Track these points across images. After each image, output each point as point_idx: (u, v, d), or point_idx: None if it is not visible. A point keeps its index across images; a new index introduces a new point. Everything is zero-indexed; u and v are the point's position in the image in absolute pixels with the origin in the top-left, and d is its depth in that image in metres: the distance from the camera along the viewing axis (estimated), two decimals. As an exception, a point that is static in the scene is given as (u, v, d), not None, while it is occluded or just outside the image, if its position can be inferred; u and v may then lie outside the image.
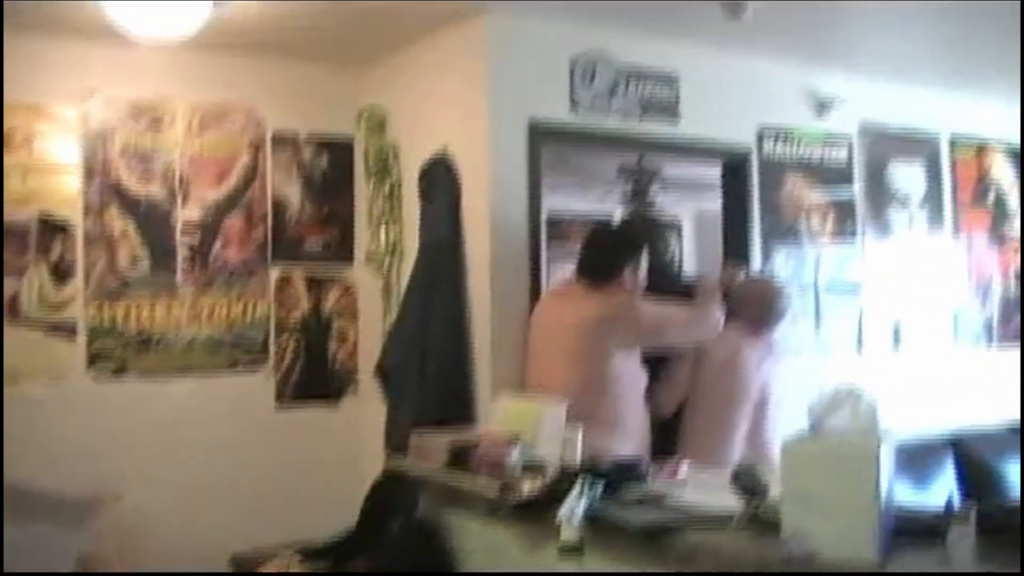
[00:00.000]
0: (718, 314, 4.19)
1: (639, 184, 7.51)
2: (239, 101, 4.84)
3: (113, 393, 4.53)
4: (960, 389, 6.25)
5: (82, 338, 4.49)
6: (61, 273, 4.45)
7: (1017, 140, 6.73)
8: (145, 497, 4.41)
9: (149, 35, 3.95)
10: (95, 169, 4.52)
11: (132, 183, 4.60)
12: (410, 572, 2.65)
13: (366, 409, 4.99)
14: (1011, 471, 6.06)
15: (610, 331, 3.78)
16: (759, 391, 4.30)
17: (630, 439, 3.61)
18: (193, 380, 4.72)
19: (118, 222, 4.57)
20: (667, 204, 8.51)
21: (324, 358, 5.06)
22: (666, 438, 4.10)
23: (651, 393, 4.08)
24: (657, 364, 4.14)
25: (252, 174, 4.88)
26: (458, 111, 4.51)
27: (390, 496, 3.03)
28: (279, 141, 4.95)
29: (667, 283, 4.37)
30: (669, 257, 4.54)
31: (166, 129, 4.66)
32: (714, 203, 5.74)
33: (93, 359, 4.50)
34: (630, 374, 3.89)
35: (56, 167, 4.46)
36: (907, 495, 4.76)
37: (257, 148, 4.89)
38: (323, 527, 3.14)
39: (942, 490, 5.40)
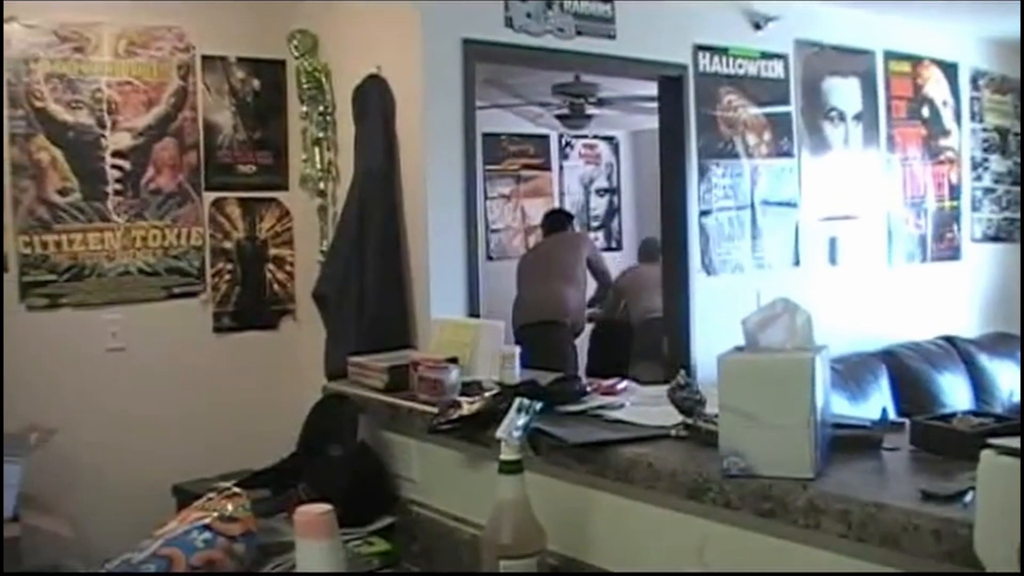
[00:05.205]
0: None
1: (575, 102, 7.51)
2: (167, 24, 4.73)
3: (47, 325, 4.46)
4: (894, 304, 6.34)
5: (14, 270, 4.40)
6: (-11, 204, 4.36)
7: (950, 55, 6.77)
8: (83, 430, 4.37)
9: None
10: (19, 98, 4.41)
11: (59, 111, 4.49)
12: (351, 494, 2.64)
13: (305, 334, 4.97)
14: (942, 383, 6.19)
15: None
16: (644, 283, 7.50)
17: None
18: (129, 309, 4.66)
19: (46, 151, 4.47)
20: (604, 121, 8.53)
21: (261, 283, 5.03)
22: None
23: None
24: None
25: (182, 99, 4.79)
26: (391, 30, 4.45)
27: (329, 420, 3.02)
28: (209, 64, 4.86)
29: None
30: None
31: (91, 54, 4.54)
32: (651, 120, 5.74)
33: (25, 291, 4.43)
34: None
35: (-23, 97, 4.34)
36: (843, 408, 4.84)
37: (187, 72, 4.80)
38: (264, 454, 3.13)
39: (877, 402, 5.50)
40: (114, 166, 4.62)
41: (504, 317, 6.06)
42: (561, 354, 6.86)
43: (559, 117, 8.12)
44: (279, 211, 5.07)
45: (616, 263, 8.93)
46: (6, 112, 4.37)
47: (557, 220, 8.11)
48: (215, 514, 2.44)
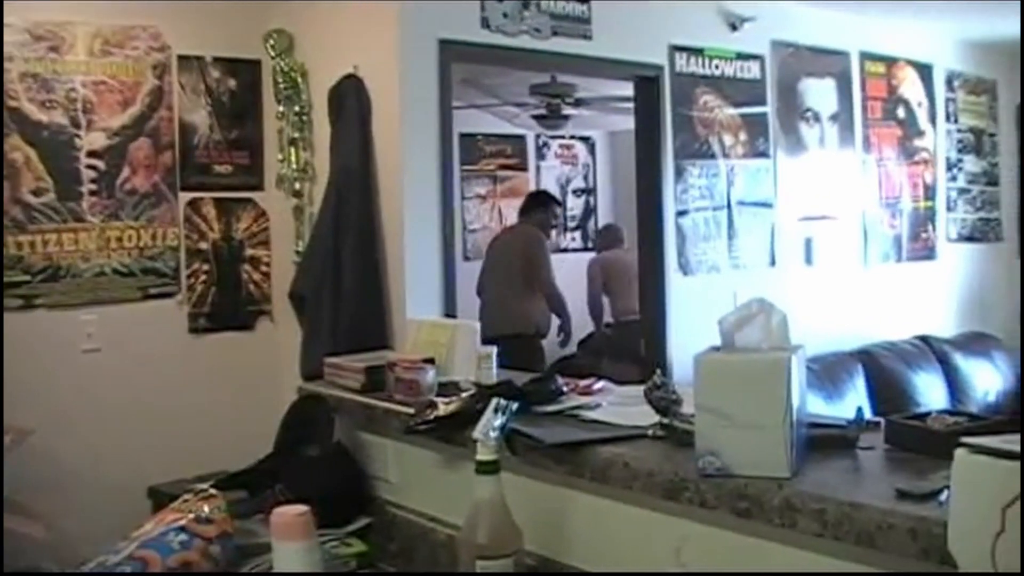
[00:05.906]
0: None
1: (552, 103, 7.51)
2: (142, 23, 4.71)
3: (22, 325, 4.42)
4: (870, 303, 6.37)
5: (-13, 270, 4.37)
6: (-38, 204, 4.33)
7: (925, 56, 6.80)
8: (58, 431, 4.33)
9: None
10: (-7, 97, 4.38)
11: (33, 110, 4.46)
12: (327, 495, 2.64)
13: (281, 335, 4.95)
14: (918, 382, 6.21)
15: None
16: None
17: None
18: (105, 310, 4.62)
19: (20, 151, 4.43)
20: (580, 122, 8.53)
21: (237, 284, 5.00)
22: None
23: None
24: None
25: (158, 98, 4.76)
26: (367, 31, 4.44)
27: (306, 421, 3.02)
28: (185, 64, 4.84)
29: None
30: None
31: (66, 53, 4.51)
32: (627, 121, 5.75)
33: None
34: None
35: (-49, 96, 4.31)
36: (819, 408, 4.86)
37: (162, 72, 4.77)
38: (241, 455, 3.12)
39: (853, 402, 5.52)
40: (89, 166, 4.58)
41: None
42: (532, 366, 6.73)
43: (536, 117, 8.12)
44: (255, 211, 5.05)
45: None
46: (-23, 112, 4.35)
47: (529, 205, 7.66)
48: (191, 516, 2.44)
